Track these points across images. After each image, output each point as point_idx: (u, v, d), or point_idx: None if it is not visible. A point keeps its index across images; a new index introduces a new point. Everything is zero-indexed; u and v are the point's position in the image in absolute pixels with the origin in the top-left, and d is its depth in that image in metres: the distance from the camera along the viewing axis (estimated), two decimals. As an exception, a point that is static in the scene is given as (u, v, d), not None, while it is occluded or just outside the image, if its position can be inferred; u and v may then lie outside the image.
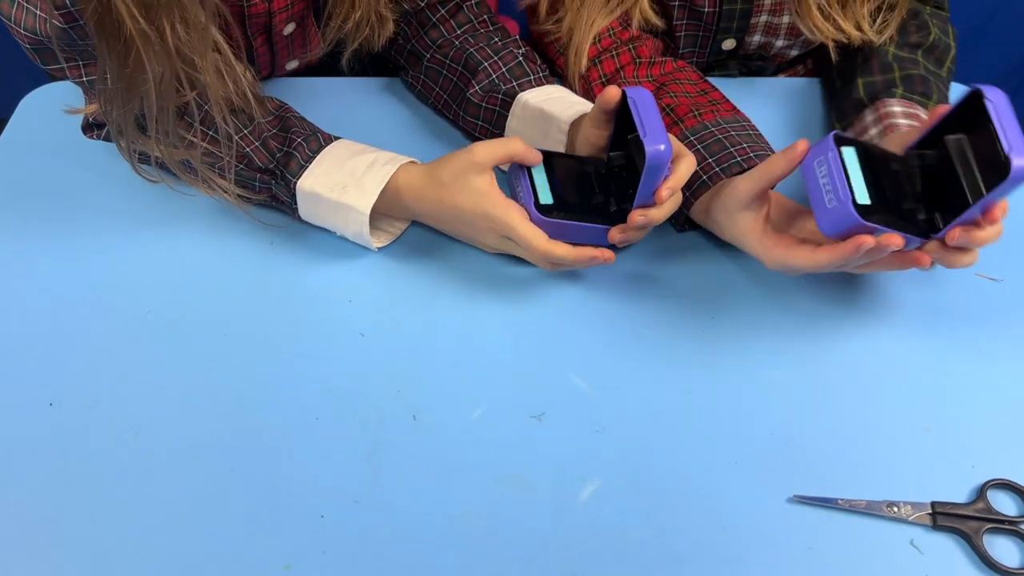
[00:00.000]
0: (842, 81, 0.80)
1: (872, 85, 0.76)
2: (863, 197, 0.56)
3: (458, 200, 0.66)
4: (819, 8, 0.76)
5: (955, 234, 0.56)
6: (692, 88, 0.74)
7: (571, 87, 0.79)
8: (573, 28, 0.77)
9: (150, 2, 0.55)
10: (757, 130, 0.71)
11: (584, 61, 0.76)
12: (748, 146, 0.68)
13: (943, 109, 0.57)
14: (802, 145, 0.58)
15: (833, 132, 0.57)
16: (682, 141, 0.68)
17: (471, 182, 0.65)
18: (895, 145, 0.61)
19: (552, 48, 0.82)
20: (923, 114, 0.71)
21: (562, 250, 0.64)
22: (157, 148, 0.64)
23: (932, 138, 0.58)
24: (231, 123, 0.66)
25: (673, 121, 0.71)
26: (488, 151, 0.64)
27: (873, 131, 0.72)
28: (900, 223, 0.57)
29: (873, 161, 0.58)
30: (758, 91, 0.87)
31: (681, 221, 0.71)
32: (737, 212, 0.64)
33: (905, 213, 0.58)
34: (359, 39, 0.73)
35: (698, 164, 0.67)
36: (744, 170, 0.66)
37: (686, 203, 0.69)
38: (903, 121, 0.70)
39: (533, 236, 0.64)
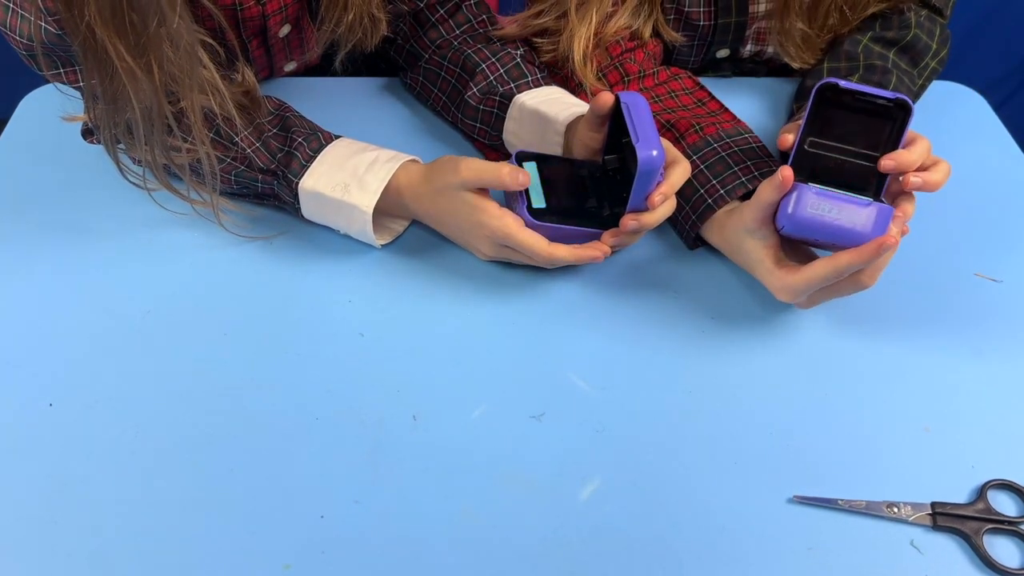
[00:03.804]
0: (813, 65, 0.81)
1: (836, 71, 0.76)
2: (869, 198, 0.60)
3: (452, 208, 0.66)
4: (802, 39, 0.77)
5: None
6: (688, 99, 0.74)
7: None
8: (568, 45, 0.75)
9: (138, 41, 0.55)
10: (758, 140, 0.71)
11: (580, 74, 0.75)
12: (752, 163, 0.68)
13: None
14: (786, 171, 0.59)
15: (798, 185, 0.60)
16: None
17: (463, 196, 0.65)
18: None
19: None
20: None
21: (563, 251, 0.65)
22: (145, 158, 0.64)
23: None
24: (239, 125, 0.66)
25: (675, 138, 0.71)
26: (474, 173, 0.64)
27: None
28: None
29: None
30: (753, 91, 0.87)
31: (691, 240, 0.71)
32: (745, 239, 0.64)
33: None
34: (352, 41, 0.73)
35: (702, 186, 0.67)
36: (748, 191, 0.66)
37: (692, 226, 0.69)
38: None
39: (534, 242, 0.64)
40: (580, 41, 0.74)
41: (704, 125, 0.70)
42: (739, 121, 0.72)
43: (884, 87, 0.72)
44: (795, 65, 0.80)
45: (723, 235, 0.67)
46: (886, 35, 0.78)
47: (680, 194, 0.68)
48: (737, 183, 0.67)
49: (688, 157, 0.68)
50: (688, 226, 0.69)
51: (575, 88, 0.77)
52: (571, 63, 0.75)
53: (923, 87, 0.79)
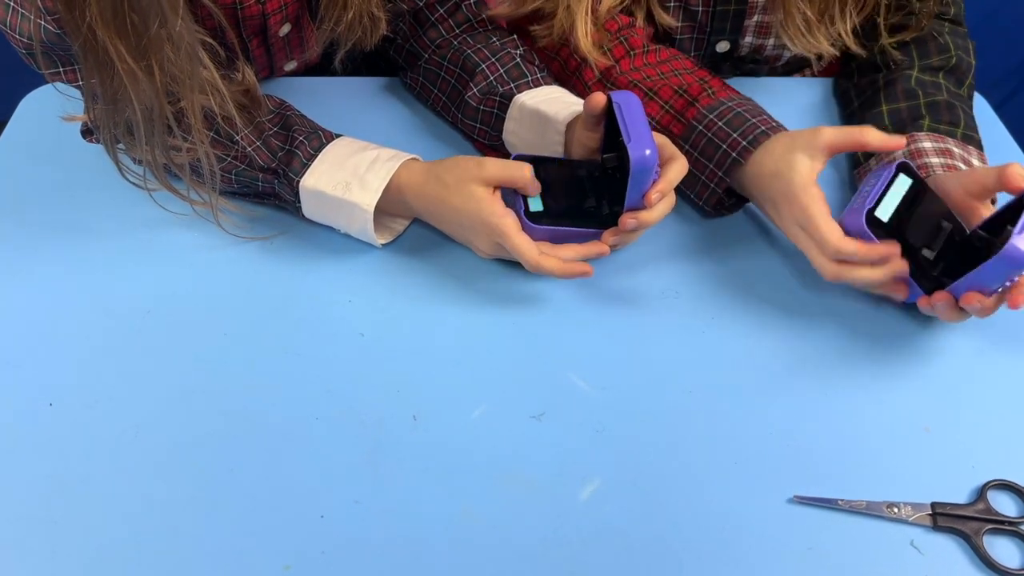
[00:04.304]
0: (862, 102, 0.80)
1: (897, 113, 0.75)
2: (884, 214, 0.61)
3: (457, 202, 0.66)
4: (803, 22, 0.76)
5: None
6: (691, 77, 0.74)
7: (567, 86, 0.79)
8: (565, 25, 0.76)
9: (139, 43, 0.55)
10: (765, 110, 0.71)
11: (585, 49, 0.75)
12: (767, 117, 0.68)
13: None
14: (901, 143, 0.63)
15: (903, 160, 0.63)
16: (700, 121, 0.69)
17: (473, 190, 0.65)
18: (951, 186, 0.65)
19: (543, 54, 0.81)
20: (954, 146, 0.71)
21: (551, 264, 0.65)
22: (145, 158, 0.64)
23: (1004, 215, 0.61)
24: (240, 124, 0.66)
25: (688, 101, 0.71)
26: (497, 171, 0.65)
27: None
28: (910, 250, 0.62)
29: (916, 199, 0.63)
30: (755, 91, 0.86)
31: (713, 201, 0.70)
32: (797, 155, 0.64)
33: (918, 258, 0.63)
34: (352, 40, 0.73)
35: (723, 141, 0.68)
36: (769, 137, 0.66)
37: (719, 182, 0.69)
38: (935, 160, 0.69)
39: (525, 248, 0.64)
40: (581, 15, 0.74)
41: (716, 91, 0.71)
42: (744, 96, 0.73)
43: (955, 126, 0.73)
44: (796, 49, 0.79)
45: (770, 155, 0.66)
46: (931, 63, 0.78)
47: (702, 153, 0.68)
48: (759, 132, 0.67)
49: (704, 118, 0.69)
50: (714, 183, 0.69)
51: (576, 69, 0.77)
52: (574, 38, 0.75)
53: (970, 106, 0.79)
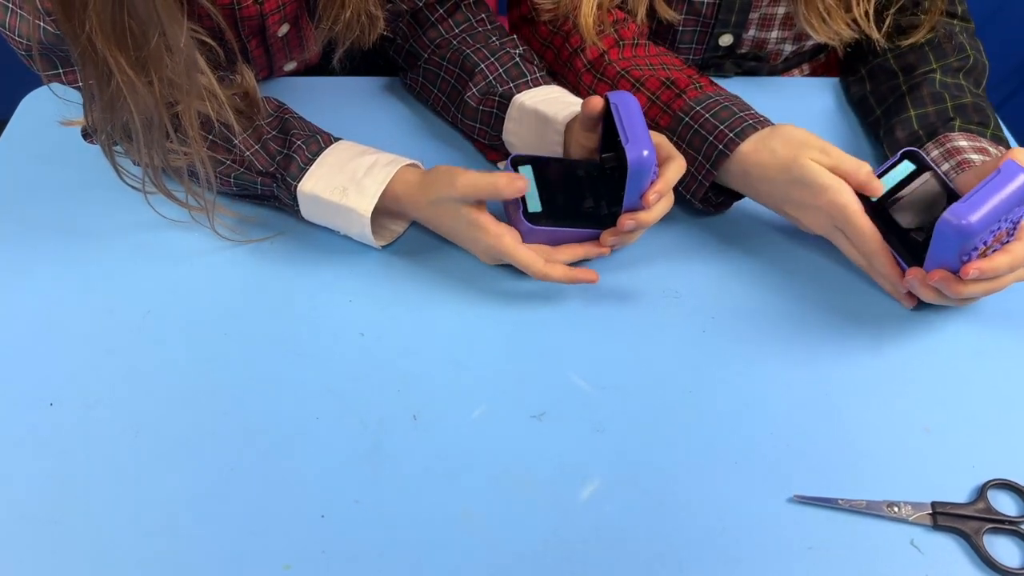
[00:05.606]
0: (885, 109, 0.80)
1: (925, 117, 0.75)
2: None
3: (448, 222, 0.66)
4: (825, 10, 0.76)
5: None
6: (679, 74, 0.75)
7: (559, 76, 0.79)
8: (571, 6, 0.76)
9: (139, 56, 0.55)
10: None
11: (584, 27, 0.75)
12: (754, 112, 0.69)
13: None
14: (880, 191, 0.64)
15: (910, 148, 0.66)
16: (687, 112, 0.69)
17: (459, 210, 0.65)
18: (973, 176, 0.65)
19: (543, 29, 0.81)
20: (988, 145, 0.71)
21: (558, 272, 0.65)
22: (144, 162, 0.64)
23: None
24: (237, 130, 0.66)
25: (675, 93, 0.71)
26: (470, 188, 0.63)
27: (945, 166, 0.70)
28: None
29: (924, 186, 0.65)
30: (758, 91, 0.87)
31: (701, 192, 0.70)
32: (806, 156, 0.65)
33: None
34: (350, 39, 0.73)
35: (711, 134, 0.68)
36: (757, 131, 0.67)
37: (707, 175, 0.69)
38: (975, 156, 0.69)
39: (530, 261, 0.65)
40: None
41: (703, 85, 0.71)
42: (731, 93, 0.73)
43: (985, 126, 0.73)
44: (818, 37, 0.79)
45: (766, 150, 0.66)
46: (951, 64, 0.78)
47: (689, 145, 0.68)
48: (746, 125, 0.67)
49: (691, 109, 0.69)
50: (701, 176, 0.69)
51: (568, 58, 0.78)
52: (577, 14, 0.75)
53: (992, 107, 0.79)
